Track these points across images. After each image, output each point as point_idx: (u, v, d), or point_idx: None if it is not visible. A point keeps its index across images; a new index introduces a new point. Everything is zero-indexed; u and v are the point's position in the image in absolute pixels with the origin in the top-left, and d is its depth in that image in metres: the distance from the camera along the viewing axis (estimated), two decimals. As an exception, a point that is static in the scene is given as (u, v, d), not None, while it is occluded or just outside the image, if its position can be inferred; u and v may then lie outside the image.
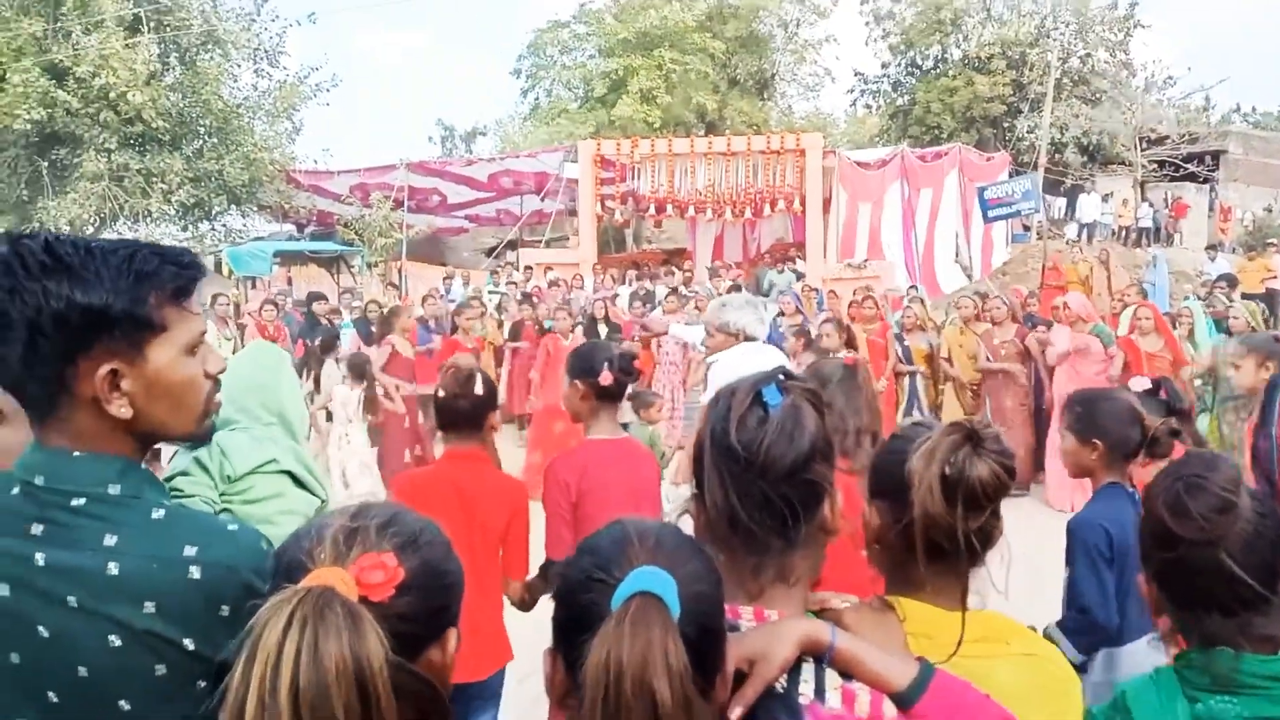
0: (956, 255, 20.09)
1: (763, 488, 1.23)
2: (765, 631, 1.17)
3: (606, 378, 3.13)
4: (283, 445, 2.27)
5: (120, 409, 1.24)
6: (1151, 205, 24.49)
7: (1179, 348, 8.20)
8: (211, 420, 1.40)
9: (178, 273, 1.29)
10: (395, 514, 1.06)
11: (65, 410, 1.24)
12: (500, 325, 11.96)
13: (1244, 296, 12.95)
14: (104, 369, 1.23)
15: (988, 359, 8.73)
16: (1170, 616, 1.48)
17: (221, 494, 2.09)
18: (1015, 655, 1.37)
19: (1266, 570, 1.39)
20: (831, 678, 1.18)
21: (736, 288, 12.59)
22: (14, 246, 1.20)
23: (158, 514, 1.26)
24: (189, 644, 1.20)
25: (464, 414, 3.01)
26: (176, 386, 1.30)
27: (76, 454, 1.24)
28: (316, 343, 8.32)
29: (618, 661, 0.93)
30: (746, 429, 1.24)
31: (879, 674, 1.18)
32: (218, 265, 17.23)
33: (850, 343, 7.83)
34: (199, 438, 1.39)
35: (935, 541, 1.35)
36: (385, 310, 8.71)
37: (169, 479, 2.09)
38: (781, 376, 1.30)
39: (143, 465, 1.32)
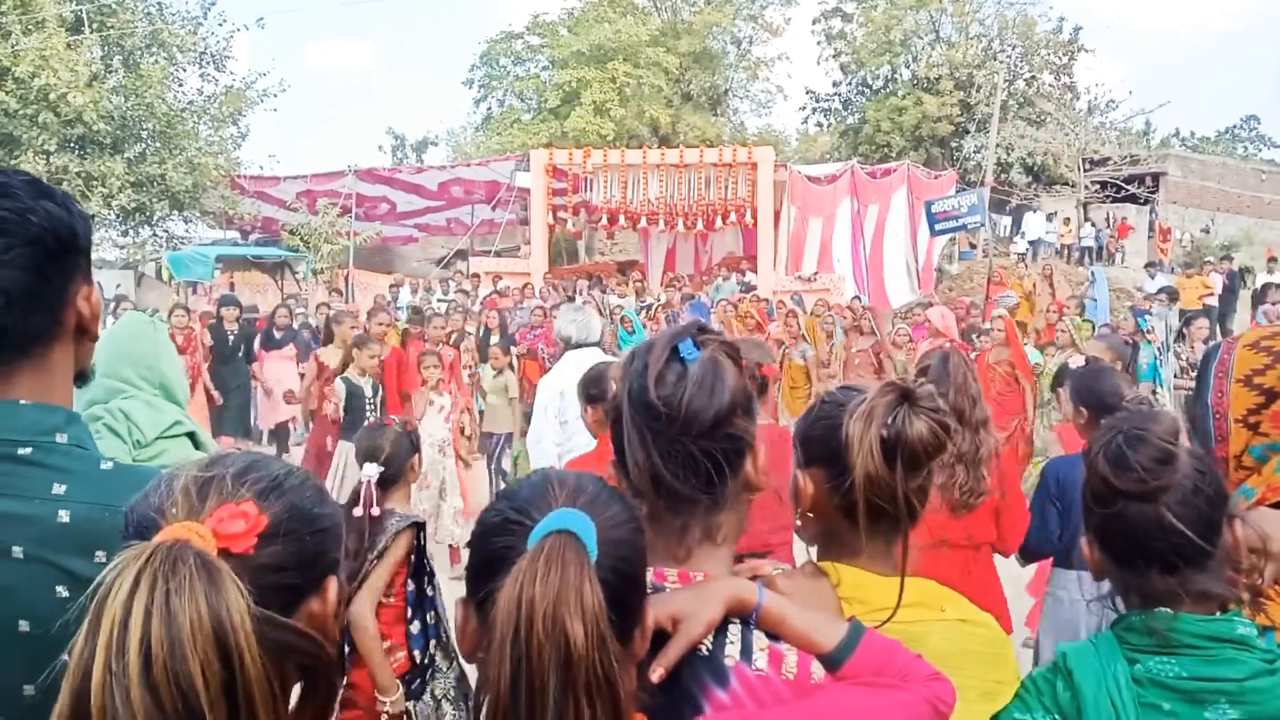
0: (905, 269, 20.37)
1: (686, 444, 1.19)
2: (691, 591, 1.14)
3: (770, 369, 3.39)
4: (173, 408, 2.27)
5: (99, 328, 1.31)
6: (1094, 225, 25.09)
7: (1024, 358, 8.57)
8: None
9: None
10: (254, 461, 0.99)
11: (46, 346, 1.24)
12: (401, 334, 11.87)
13: (1183, 313, 13.36)
14: (89, 289, 1.28)
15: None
16: (1111, 578, 1.47)
17: (134, 459, 2.05)
18: (949, 621, 1.36)
19: (1205, 524, 1.37)
20: (758, 638, 1.14)
21: (690, 297, 12.63)
22: (2, 175, 1.21)
23: (106, 465, 1.24)
24: None
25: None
26: (99, 319, 1.34)
27: (24, 403, 1.21)
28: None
29: (530, 600, 0.88)
30: (665, 384, 1.20)
31: (806, 634, 1.15)
32: (158, 270, 16.90)
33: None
34: (88, 378, 1.39)
35: (876, 504, 1.33)
36: (330, 314, 8.40)
37: None
38: (697, 330, 1.26)
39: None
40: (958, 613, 1.37)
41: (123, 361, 2.32)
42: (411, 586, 3.07)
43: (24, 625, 1.14)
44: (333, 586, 1.00)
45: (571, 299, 13.84)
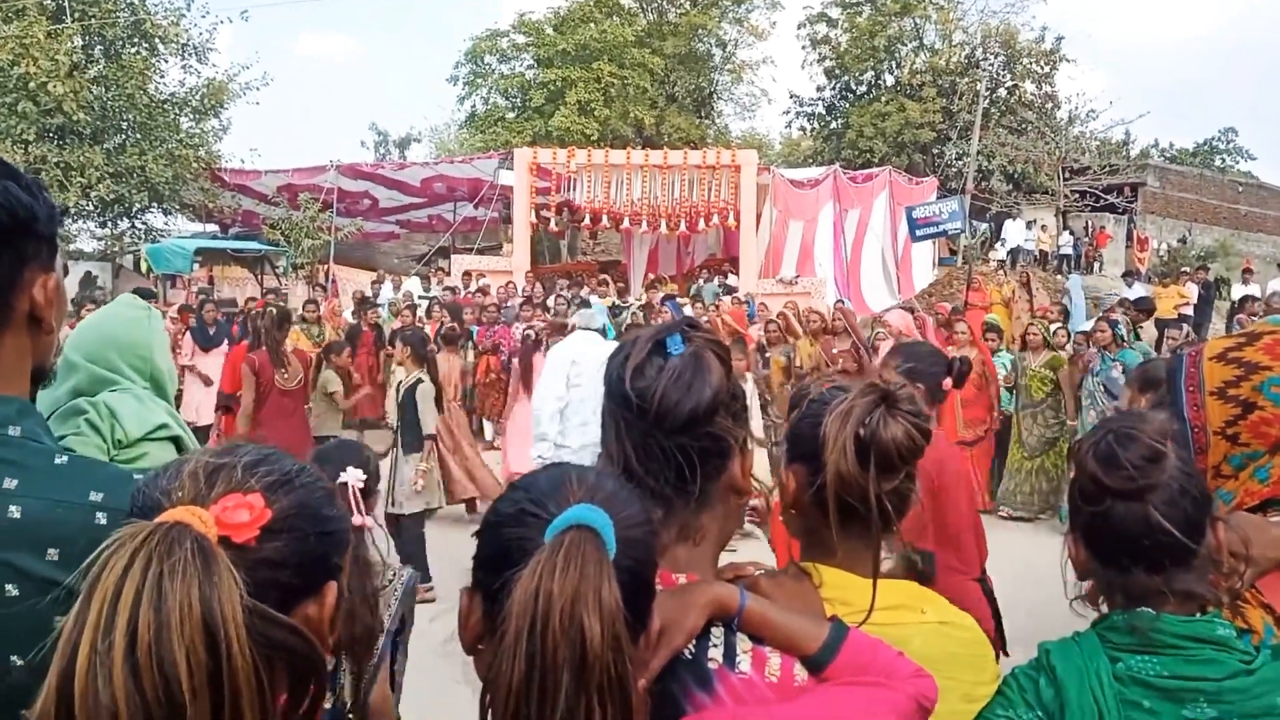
0: (884, 274, 20.47)
1: (659, 439, 1.18)
2: (672, 596, 1.12)
3: (948, 383, 3.36)
4: (161, 408, 2.16)
5: (53, 318, 1.23)
6: (1073, 233, 25.29)
7: (990, 362, 9.05)
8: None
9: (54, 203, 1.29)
10: (267, 454, 0.97)
11: None
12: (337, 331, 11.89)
13: (1158, 322, 13.49)
14: (52, 276, 1.22)
15: (827, 364, 9.30)
16: (1095, 578, 1.48)
17: (111, 459, 1.96)
18: (930, 623, 1.36)
19: (1191, 525, 1.39)
20: (741, 641, 1.14)
21: (670, 297, 12.69)
22: None
23: (61, 459, 1.19)
24: None
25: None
26: (61, 310, 1.28)
27: None
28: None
29: (548, 593, 0.87)
30: (643, 376, 1.19)
31: (790, 637, 1.15)
32: (136, 263, 16.74)
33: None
34: (48, 376, 1.34)
35: (848, 504, 1.32)
36: (273, 313, 7.94)
37: (58, 439, 1.97)
38: (687, 326, 1.25)
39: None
40: (938, 615, 1.37)
41: (112, 348, 2.20)
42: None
43: None
44: (331, 593, 0.98)
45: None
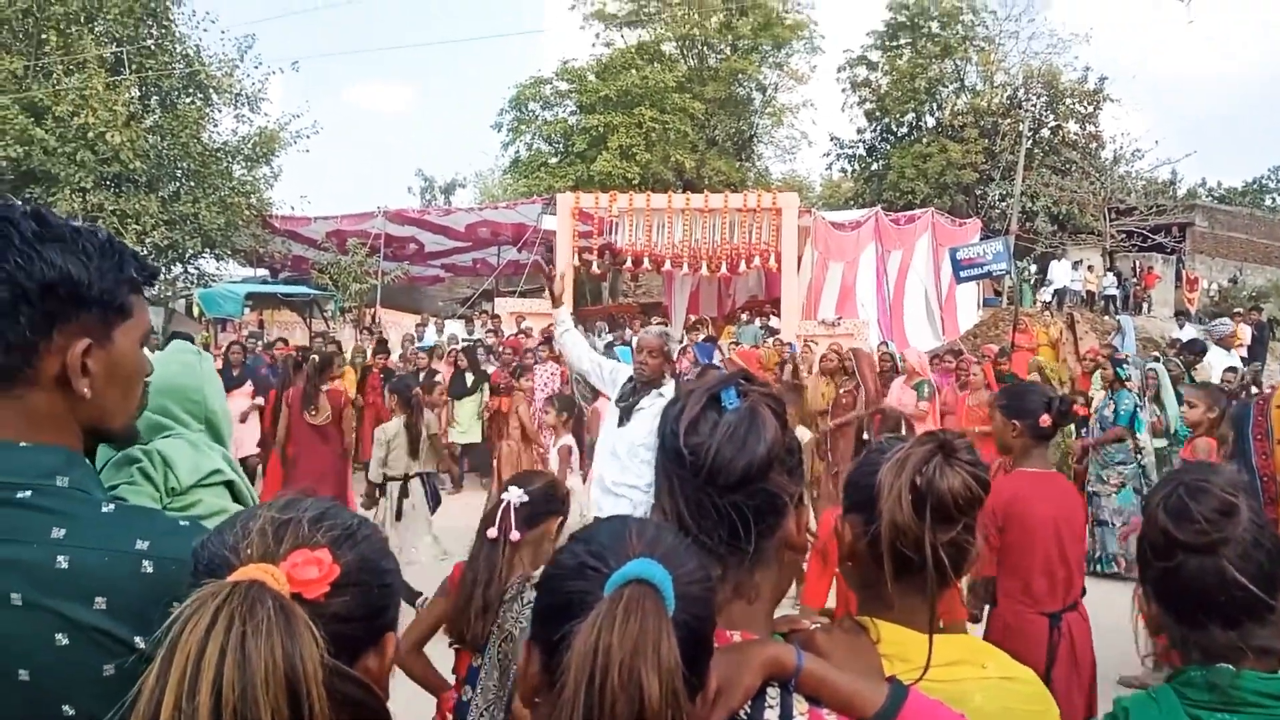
0: (928, 315, 20.32)
1: (712, 496, 1.17)
2: (728, 656, 1.11)
3: (1046, 420, 3.45)
4: (216, 452, 2.13)
5: (84, 388, 1.21)
6: (1119, 274, 24.97)
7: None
8: (135, 421, 1.37)
9: (142, 265, 1.29)
10: (328, 508, 0.98)
11: (22, 389, 1.19)
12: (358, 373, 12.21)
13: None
14: (83, 343, 1.20)
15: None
16: (1169, 633, 1.44)
17: (164, 507, 1.94)
18: (991, 679, 1.32)
19: (1266, 578, 1.36)
20: (798, 702, 1.12)
21: (712, 339, 12.69)
22: (4, 211, 1.18)
23: (108, 508, 1.20)
24: (140, 642, 1.11)
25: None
26: (130, 376, 1.28)
27: (23, 445, 1.18)
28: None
29: (607, 648, 0.87)
30: (697, 433, 1.18)
31: (848, 699, 1.13)
32: (189, 307, 17.08)
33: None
34: (129, 437, 1.35)
35: (903, 555, 1.30)
36: (317, 358, 8.14)
37: (111, 488, 1.98)
38: (742, 380, 1.24)
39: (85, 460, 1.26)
40: (1000, 670, 1.34)
41: (166, 394, 2.18)
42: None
43: (23, 674, 1.10)
44: (390, 644, 0.99)
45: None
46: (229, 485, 2.08)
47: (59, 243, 1.18)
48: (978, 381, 9.25)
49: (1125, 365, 8.96)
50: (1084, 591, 3.63)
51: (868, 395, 9.08)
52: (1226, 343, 11.20)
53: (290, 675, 0.79)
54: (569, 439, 7.52)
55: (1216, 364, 10.08)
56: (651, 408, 4.83)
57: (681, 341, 14.26)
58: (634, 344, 6.60)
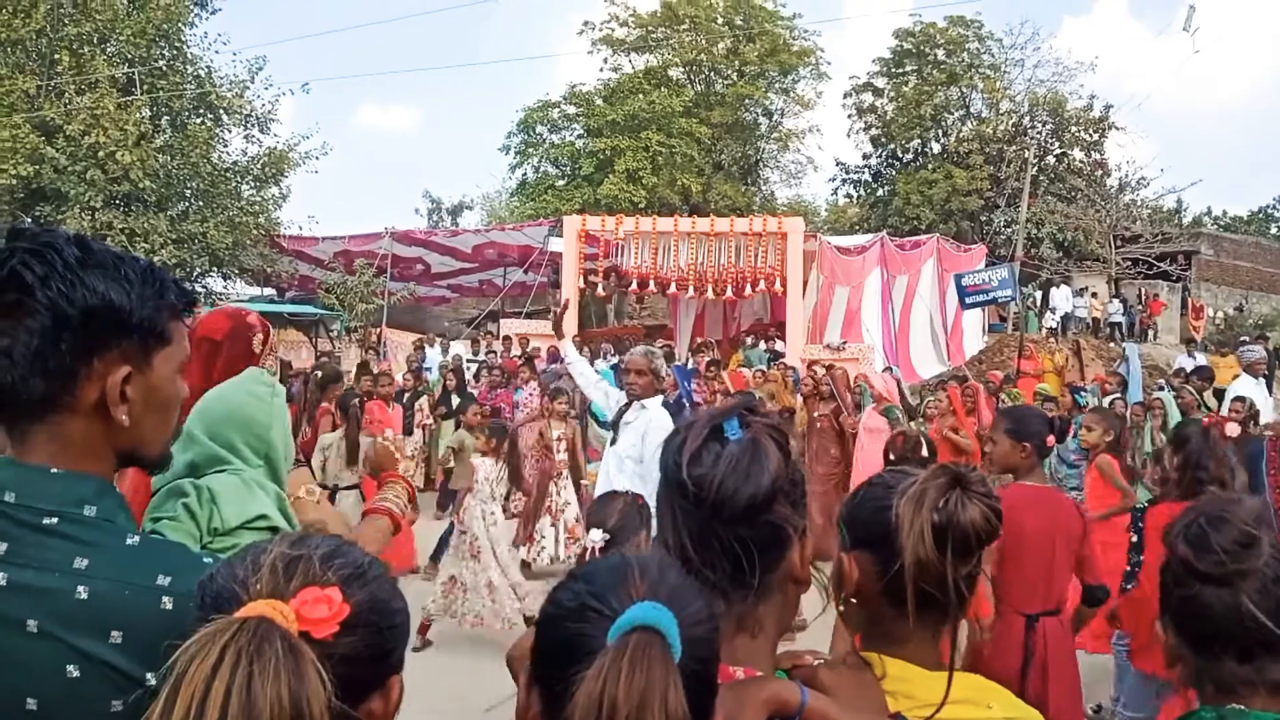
0: (933, 340, 20.31)
1: (716, 528, 1.15)
2: (731, 693, 1.10)
3: (1051, 440, 3.81)
4: (270, 493, 2.09)
5: (123, 415, 1.20)
6: (1124, 301, 24.95)
7: (970, 427, 8.89)
8: (170, 448, 1.35)
9: (182, 292, 1.29)
10: (339, 545, 0.97)
11: (60, 415, 1.18)
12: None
13: (1215, 393, 13.16)
14: (123, 370, 1.20)
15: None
16: (1184, 664, 1.43)
17: (204, 545, 1.92)
18: (995, 718, 1.31)
19: None
20: None
21: (715, 363, 12.68)
22: (48, 236, 1.17)
23: (132, 540, 1.18)
24: (151, 679, 1.09)
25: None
26: (167, 404, 1.28)
27: (54, 471, 1.17)
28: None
29: (612, 699, 0.84)
30: (700, 464, 1.16)
31: None
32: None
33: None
34: (162, 464, 1.34)
35: (925, 591, 1.28)
36: (319, 375, 8.13)
37: (154, 520, 1.95)
38: (745, 410, 1.23)
39: (116, 489, 1.25)
40: (1004, 710, 1.33)
41: (232, 425, 2.12)
42: None
43: (31, 703, 1.09)
44: (396, 687, 0.97)
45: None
46: (273, 531, 2.02)
47: (101, 269, 1.17)
48: (944, 407, 9.10)
49: (1083, 393, 9.04)
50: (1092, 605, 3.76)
51: (848, 412, 9.12)
52: (1255, 369, 11.14)
53: (296, 717, 0.78)
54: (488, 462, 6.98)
55: (1246, 391, 9.97)
56: (635, 421, 5.03)
57: (689, 363, 14.27)
58: (621, 365, 6.71)
